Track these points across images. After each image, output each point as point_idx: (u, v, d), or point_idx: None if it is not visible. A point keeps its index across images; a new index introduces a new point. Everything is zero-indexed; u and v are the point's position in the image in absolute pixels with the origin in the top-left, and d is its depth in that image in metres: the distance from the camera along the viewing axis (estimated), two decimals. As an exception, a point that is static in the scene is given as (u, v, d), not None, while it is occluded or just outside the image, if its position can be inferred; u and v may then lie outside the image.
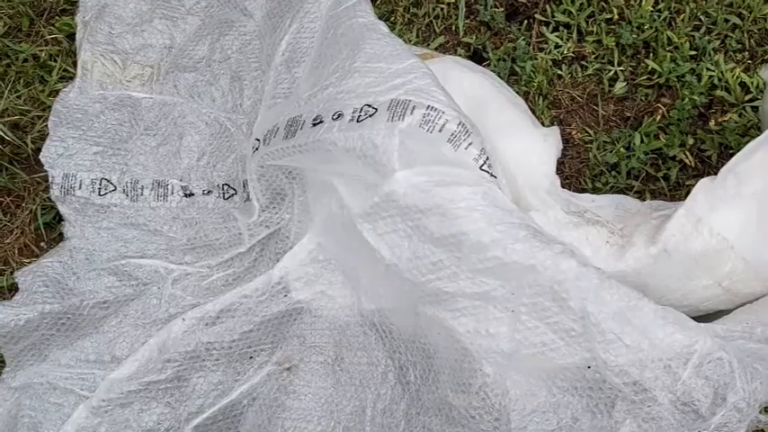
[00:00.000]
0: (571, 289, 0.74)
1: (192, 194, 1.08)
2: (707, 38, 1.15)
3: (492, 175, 0.84)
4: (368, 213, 0.87)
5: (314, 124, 0.92)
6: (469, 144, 0.85)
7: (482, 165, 0.84)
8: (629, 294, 0.74)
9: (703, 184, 0.87)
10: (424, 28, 1.23)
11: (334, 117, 0.90)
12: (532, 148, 0.96)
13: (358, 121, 0.88)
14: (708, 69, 1.11)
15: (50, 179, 1.07)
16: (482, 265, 0.79)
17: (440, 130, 0.85)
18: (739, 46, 1.14)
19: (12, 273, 1.04)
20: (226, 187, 1.08)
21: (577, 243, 0.85)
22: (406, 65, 0.92)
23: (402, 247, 0.84)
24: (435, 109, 0.86)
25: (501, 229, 0.78)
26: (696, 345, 0.71)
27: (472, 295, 0.80)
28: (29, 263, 1.04)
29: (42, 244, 1.09)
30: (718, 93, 1.10)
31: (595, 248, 0.86)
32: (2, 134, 1.12)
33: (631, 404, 0.73)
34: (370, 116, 0.87)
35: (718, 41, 1.15)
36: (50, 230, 1.09)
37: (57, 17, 1.26)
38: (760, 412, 0.71)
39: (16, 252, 1.07)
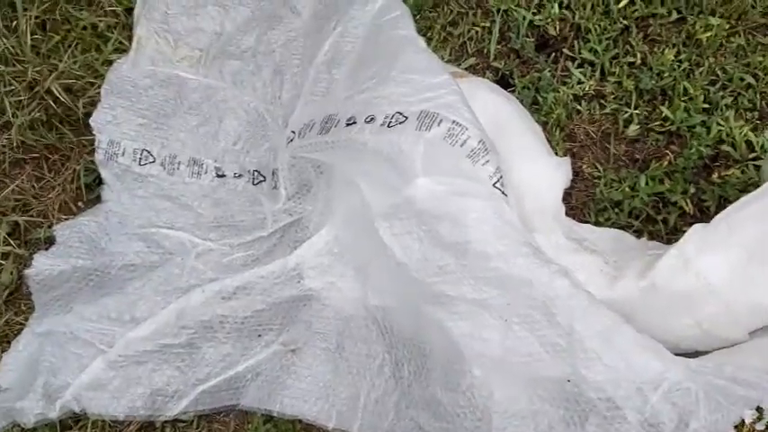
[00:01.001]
0: (561, 306, 0.82)
1: (224, 176, 1.15)
2: (721, 93, 1.21)
3: (503, 193, 0.91)
4: (386, 213, 0.94)
5: (347, 124, 1.00)
6: (487, 161, 0.92)
7: (495, 182, 0.92)
8: (614, 318, 0.81)
9: (697, 228, 0.93)
10: (457, 47, 1.29)
11: (367, 120, 0.97)
12: (544, 174, 1.03)
13: (389, 126, 0.95)
14: (718, 123, 1.17)
15: (96, 143, 1.14)
16: (484, 274, 0.86)
17: (461, 145, 0.92)
18: (750, 105, 1.20)
19: (50, 226, 1.11)
20: (256, 173, 1.15)
21: (574, 267, 0.91)
22: (439, 80, 0.99)
23: (413, 249, 0.91)
24: (460, 125, 0.93)
25: (505, 243, 0.86)
26: (668, 373, 0.78)
27: (472, 301, 0.87)
28: (66, 219, 1.11)
29: (81, 203, 1.16)
30: (725, 147, 1.16)
31: (589, 274, 0.93)
32: (56, 94, 1.19)
33: (603, 419, 0.80)
34: (400, 123, 0.95)
35: (731, 98, 1.21)
36: (90, 191, 1.16)
37: (117, -10, 1.32)
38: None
39: (56, 207, 1.14)
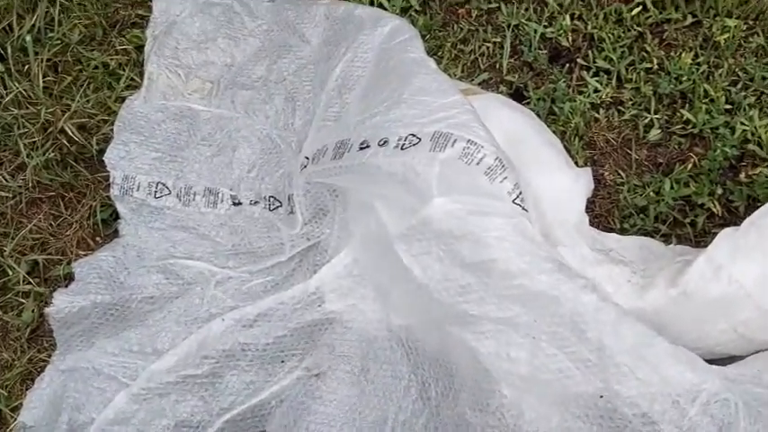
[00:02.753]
0: (590, 321, 0.79)
1: (240, 203, 1.15)
2: (743, 93, 1.18)
3: (524, 209, 0.89)
4: (404, 235, 0.92)
5: (361, 148, 0.99)
6: (504, 178, 0.90)
7: (515, 198, 0.90)
8: (645, 332, 0.78)
9: (726, 233, 0.91)
10: (469, 64, 1.29)
11: (381, 143, 0.97)
12: (564, 186, 1.01)
13: (402, 149, 0.94)
14: (742, 123, 1.15)
15: (111, 179, 1.15)
16: (508, 292, 0.84)
17: (477, 163, 0.91)
18: (774, 103, 1.18)
19: (69, 263, 1.12)
20: (272, 199, 1.14)
21: (600, 279, 0.89)
22: (451, 100, 0.98)
23: (434, 269, 0.90)
24: (475, 143, 0.92)
25: (528, 260, 0.84)
26: (705, 384, 0.75)
27: (496, 320, 0.85)
28: (84, 255, 1.12)
29: (98, 239, 1.16)
30: (750, 147, 1.13)
31: (617, 286, 0.90)
32: (70, 134, 1.21)
33: (639, 435, 0.76)
34: (414, 145, 0.94)
35: (754, 98, 1.18)
36: (106, 227, 1.17)
37: (128, 29, 1.34)
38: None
39: (74, 244, 1.15)
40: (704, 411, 0.75)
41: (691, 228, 1.09)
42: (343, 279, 1.03)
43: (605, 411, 0.78)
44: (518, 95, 1.24)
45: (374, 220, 0.98)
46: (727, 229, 0.91)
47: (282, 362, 1.00)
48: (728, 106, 1.18)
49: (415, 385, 0.95)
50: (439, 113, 0.96)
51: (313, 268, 1.05)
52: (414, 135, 0.94)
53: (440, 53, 1.29)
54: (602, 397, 0.78)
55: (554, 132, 1.14)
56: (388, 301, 1.00)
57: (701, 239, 1.07)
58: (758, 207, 0.95)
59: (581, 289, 0.81)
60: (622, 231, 1.09)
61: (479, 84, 1.26)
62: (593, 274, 0.89)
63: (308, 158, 1.08)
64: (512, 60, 1.28)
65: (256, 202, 1.15)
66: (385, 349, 0.99)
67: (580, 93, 1.23)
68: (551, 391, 0.81)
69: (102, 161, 1.16)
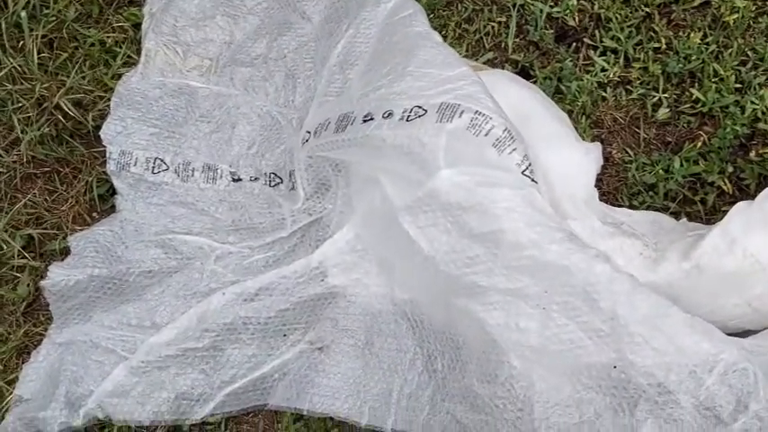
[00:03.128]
0: (603, 291, 0.77)
1: (240, 180, 1.12)
2: (753, 72, 1.17)
3: (533, 181, 0.87)
4: (410, 207, 0.90)
5: (364, 120, 0.97)
6: (513, 150, 0.89)
7: (524, 170, 0.88)
8: (660, 302, 0.76)
9: (740, 207, 0.89)
10: (474, 43, 1.26)
11: (385, 115, 0.94)
12: (574, 160, 0.99)
13: (407, 120, 0.92)
14: (752, 102, 1.13)
15: (108, 154, 1.12)
16: (517, 263, 0.82)
17: (485, 135, 0.89)
18: (785, 82, 1.16)
19: (64, 237, 1.09)
20: (272, 176, 1.12)
21: (611, 252, 0.87)
22: (458, 72, 0.96)
23: (441, 241, 0.87)
24: (483, 114, 0.90)
25: (538, 231, 0.82)
26: (722, 354, 0.73)
27: (505, 291, 0.82)
28: (81, 230, 1.09)
29: (95, 214, 1.14)
30: (761, 125, 1.11)
31: (629, 258, 0.88)
32: (65, 109, 1.18)
33: (654, 405, 0.74)
34: (420, 117, 0.91)
35: (765, 77, 1.17)
36: (103, 202, 1.14)
37: (125, 7, 1.31)
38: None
39: (70, 219, 1.12)
40: (722, 381, 0.73)
41: (701, 205, 1.07)
42: (346, 254, 1.01)
43: (619, 382, 0.76)
44: (524, 75, 1.22)
45: (379, 193, 0.96)
46: (740, 203, 0.89)
47: (285, 335, 0.99)
48: (738, 85, 1.16)
49: (420, 358, 0.94)
50: (446, 85, 0.94)
51: (315, 243, 1.03)
52: (419, 107, 0.92)
53: (443, 32, 1.27)
54: (615, 367, 0.76)
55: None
56: (392, 275, 0.98)
57: (711, 217, 1.06)
58: (769, 184, 0.94)
59: (593, 259, 0.78)
60: (631, 209, 1.06)
61: (484, 63, 1.24)
62: (604, 247, 0.87)
63: (309, 132, 1.06)
64: (517, 40, 1.26)
65: (256, 179, 1.12)
66: (389, 323, 0.97)
67: (587, 72, 1.21)
68: (562, 361, 0.79)
69: (99, 137, 1.14)
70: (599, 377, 0.77)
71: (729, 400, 0.72)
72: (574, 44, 1.24)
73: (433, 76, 0.96)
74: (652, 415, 0.74)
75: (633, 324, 0.75)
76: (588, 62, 1.22)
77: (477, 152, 0.88)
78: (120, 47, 1.27)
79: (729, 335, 0.84)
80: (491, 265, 0.83)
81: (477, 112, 0.90)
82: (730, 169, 1.08)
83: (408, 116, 0.92)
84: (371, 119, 0.96)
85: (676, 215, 1.06)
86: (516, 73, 1.22)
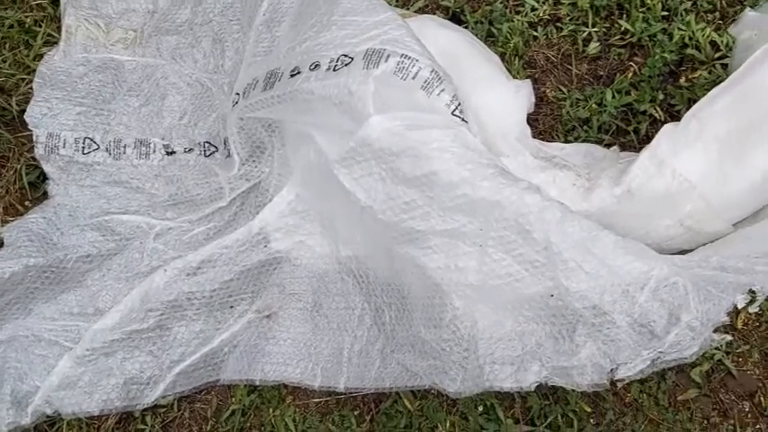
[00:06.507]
0: (535, 222, 0.77)
1: (174, 152, 1.10)
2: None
3: (463, 120, 0.86)
4: (344, 158, 0.89)
5: (291, 75, 0.95)
6: (442, 90, 0.88)
7: (453, 110, 0.87)
8: (590, 226, 0.77)
9: (667, 129, 0.89)
10: (403, -8, 1.24)
11: (312, 67, 0.92)
12: (504, 98, 0.98)
13: (334, 70, 0.90)
14: (679, 29, 1.13)
15: (35, 138, 1.08)
16: (452, 203, 0.81)
17: (413, 78, 0.87)
18: (710, 6, 1.16)
19: (-3, 230, 1.05)
20: (207, 145, 1.10)
21: (545, 185, 0.87)
22: (382, 17, 0.94)
23: (376, 190, 0.87)
24: (409, 57, 0.88)
25: (470, 168, 0.81)
26: (653, 271, 0.74)
27: (443, 232, 0.82)
28: (13, 221, 1.05)
29: (27, 203, 1.10)
30: (689, 51, 1.12)
31: (562, 190, 0.89)
32: (-14, 96, 1.14)
33: (591, 327, 0.75)
34: (346, 65, 0.90)
35: (690, 2, 1.17)
36: (35, 190, 1.11)
37: (42, -16, 1.27)
38: (714, 331, 0.73)
39: (1, 211, 1.09)
40: (654, 297, 0.74)
41: (635, 135, 1.07)
42: (287, 217, 0.99)
43: (557, 309, 0.77)
44: (455, 20, 1.21)
45: (313, 149, 0.94)
46: (667, 125, 0.90)
47: (231, 307, 0.97)
48: (665, 13, 1.16)
49: (368, 313, 0.93)
50: (371, 31, 0.92)
51: (255, 209, 1.01)
52: (345, 55, 0.91)
53: (371, -15, 1.24)
54: (552, 296, 0.77)
55: (494, 53, 1.11)
56: (334, 233, 0.97)
57: (644, 145, 1.04)
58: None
59: (524, 191, 0.79)
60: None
61: (416, 11, 1.22)
62: (537, 180, 0.88)
63: (239, 94, 1.03)
64: (446, -14, 1.24)
65: (191, 150, 1.10)
66: (336, 282, 0.96)
67: (517, 12, 1.20)
68: (502, 296, 0.80)
69: (24, 121, 1.10)
70: (538, 308, 0.78)
71: (662, 315, 0.74)
72: (503, -15, 1.23)
73: (358, 24, 0.94)
74: (590, 338, 0.75)
75: (566, 251, 0.76)
76: (518, 2, 1.21)
77: (406, 96, 0.87)
78: (40, 26, 1.22)
79: (665, 256, 0.85)
80: (427, 208, 0.83)
81: (403, 55, 0.88)
82: (661, 97, 1.09)
83: (335, 66, 0.91)
84: (299, 72, 0.94)
85: (611, 146, 1.06)
86: (448, 19, 1.20)
